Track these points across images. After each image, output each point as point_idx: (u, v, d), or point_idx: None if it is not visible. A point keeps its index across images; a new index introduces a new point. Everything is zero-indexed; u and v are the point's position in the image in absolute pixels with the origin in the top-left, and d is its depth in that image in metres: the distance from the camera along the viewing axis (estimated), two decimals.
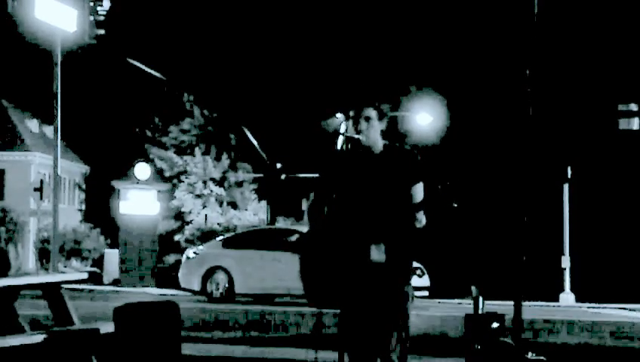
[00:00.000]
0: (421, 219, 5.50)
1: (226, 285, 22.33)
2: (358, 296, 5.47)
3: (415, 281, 23.22)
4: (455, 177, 32.86)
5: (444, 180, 5.63)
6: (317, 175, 5.76)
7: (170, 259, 36.51)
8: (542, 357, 8.11)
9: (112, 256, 34.56)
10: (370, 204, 5.47)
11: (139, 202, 34.11)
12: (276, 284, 21.71)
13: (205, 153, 42.94)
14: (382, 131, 5.64)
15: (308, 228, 5.59)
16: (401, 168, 5.53)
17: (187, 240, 39.50)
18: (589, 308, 24.44)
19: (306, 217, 5.70)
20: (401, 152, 5.58)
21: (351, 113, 5.66)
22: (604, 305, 24.80)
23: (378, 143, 5.62)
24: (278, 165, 38.62)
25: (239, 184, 43.68)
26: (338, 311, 5.61)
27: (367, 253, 5.40)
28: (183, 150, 43.31)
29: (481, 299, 7.97)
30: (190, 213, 42.18)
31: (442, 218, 5.72)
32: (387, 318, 5.44)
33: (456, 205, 5.68)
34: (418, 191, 5.53)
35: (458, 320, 8.34)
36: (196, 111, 43.80)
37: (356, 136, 5.57)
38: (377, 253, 5.39)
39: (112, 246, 38.93)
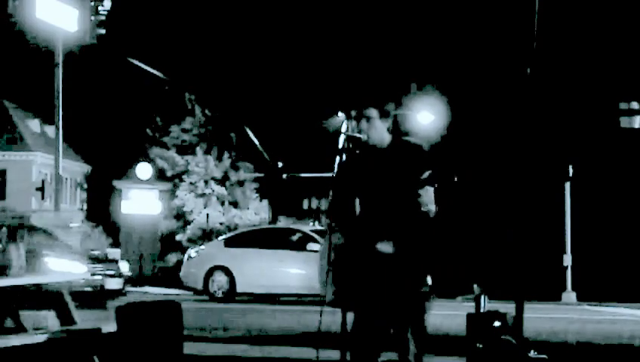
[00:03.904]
0: (431, 208, 5.52)
1: (228, 284, 22.33)
2: (369, 292, 5.48)
3: None
4: (457, 176, 32.86)
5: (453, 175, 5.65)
6: (331, 175, 5.76)
7: (172, 258, 36.56)
8: (544, 356, 8.10)
9: (114, 256, 34.58)
10: (379, 199, 5.50)
11: (140, 202, 34.16)
12: (277, 283, 21.72)
13: (207, 152, 42.95)
14: (388, 129, 5.66)
15: (334, 229, 5.58)
16: (409, 161, 5.55)
17: (189, 240, 39.53)
18: (590, 306, 24.43)
19: (324, 219, 5.74)
20: (408, 146, 5.61)
21: (353, 113, 5.69)
22: (606, 304, 24.79)
23: (384, 140, 5.64)
24: (280, 164, 38.65)
25: (241, 183, 43.68)
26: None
27: (375, 246, 5.42)
28: (184, 149, 43.32)
29: (483, 297, 7.96)
30: (192, 212, 42.18)
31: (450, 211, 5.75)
32: (400, 315, 5.45)
33: (456, 179, 5.72)
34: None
35: (460, 318, 8.34)
36: (197, 110, 43.80)
37: (357, 135, 5.59)
38: (385, 245, 5.40)
39: (113, 245, 38.96)
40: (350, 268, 5.47)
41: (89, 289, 18.34)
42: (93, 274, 19.00)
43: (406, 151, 5.57)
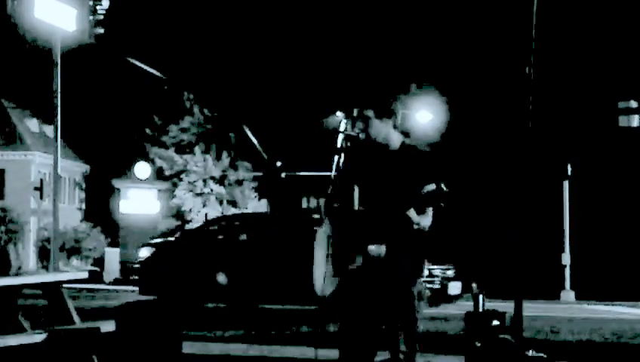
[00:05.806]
0: (426, 223, 5.49)
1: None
2: (359, 292, 5.48)
3: None
4: (455, 175, 32.85)
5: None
6: (332, 173, 5.75)
7: None
8: (542, 355, 8.10)
9: (113, 255, 34.58)
10: (376, 199, 5.49)
11: (139, 201, 34.13)
12: None
13: (205, 152, 42.95)
14: (395, 128, 5.62)
15: (325, 222, 5.59)
16: (413, 169, 5.51)
17: None
18: (589, 305, 24.45)
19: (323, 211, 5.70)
20: (415, 153, 5.55)
21: (355, 112, 5.70)
22: (605, 303, 24.81)
23: (392, 140, 5.60)
24: (278, 163, 38.65)
25: (239, 182, 43.68)
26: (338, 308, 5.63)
27: (366, 247, 5.41)
28: (182, 149, 43.32)
29: (481, 296, 7.96)
30: (190, 211, 42.19)
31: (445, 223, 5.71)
32: (392, 315, 5.46)
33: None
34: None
35: (458, 317, 8.35)
36: (196, 109, 43.81)
37: (354, 134, 5.59)
38: (376, 247, 5.39)
39: (112, 245, 38.97)
40: (342, 268, 5.46)
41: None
42: (431, 276, 17.13)
43: (411, 157, 5.51)
